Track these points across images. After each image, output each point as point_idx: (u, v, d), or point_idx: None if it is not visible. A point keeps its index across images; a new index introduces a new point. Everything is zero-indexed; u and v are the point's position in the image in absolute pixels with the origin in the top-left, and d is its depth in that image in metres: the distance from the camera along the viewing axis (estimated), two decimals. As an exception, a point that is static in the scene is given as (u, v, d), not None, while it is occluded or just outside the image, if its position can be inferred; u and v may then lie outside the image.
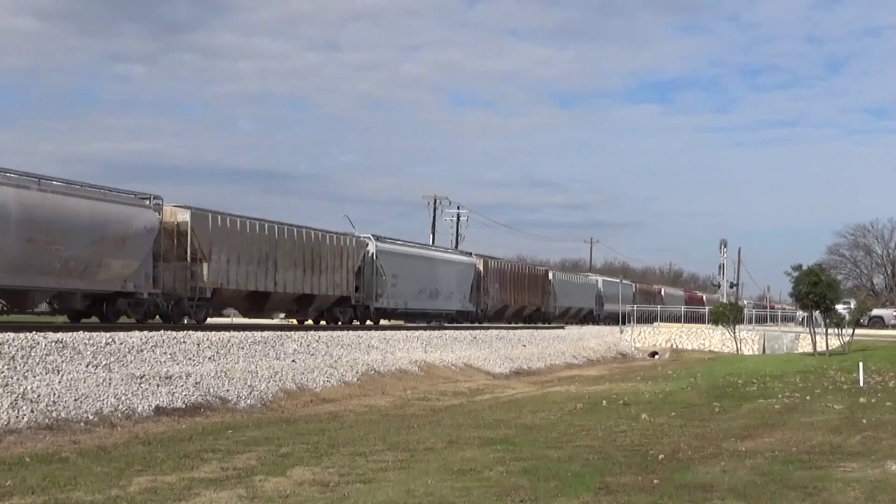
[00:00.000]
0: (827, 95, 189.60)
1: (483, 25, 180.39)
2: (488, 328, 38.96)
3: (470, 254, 45.51)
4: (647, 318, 67.40)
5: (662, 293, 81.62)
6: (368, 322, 34.15)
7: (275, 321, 34.88)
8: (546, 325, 50.49)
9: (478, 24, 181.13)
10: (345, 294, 32.11)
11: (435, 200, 66.62)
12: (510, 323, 48.67)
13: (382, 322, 36.19)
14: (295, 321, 32.83)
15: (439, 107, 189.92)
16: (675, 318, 64.91)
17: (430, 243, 58.49)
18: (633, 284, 76.14)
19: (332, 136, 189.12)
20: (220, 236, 25.68)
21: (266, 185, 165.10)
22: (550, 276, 56.14)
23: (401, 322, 36.99)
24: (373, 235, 34.72)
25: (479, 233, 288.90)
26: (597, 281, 67.02)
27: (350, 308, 32.92)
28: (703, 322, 53.83)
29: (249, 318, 31.52)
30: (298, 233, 29.78)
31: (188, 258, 24.51)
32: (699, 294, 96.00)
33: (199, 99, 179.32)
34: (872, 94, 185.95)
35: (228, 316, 35.68)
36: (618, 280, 74.87)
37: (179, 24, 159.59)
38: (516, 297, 49.15)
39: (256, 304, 28.51)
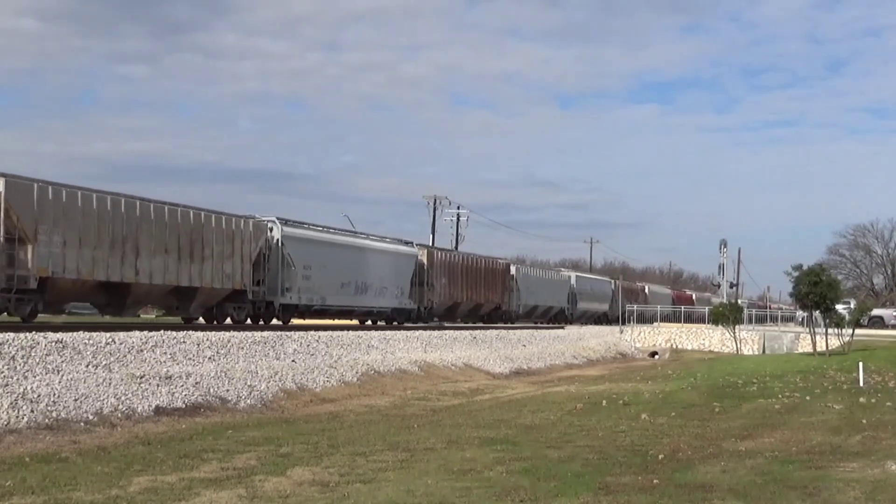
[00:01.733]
0: (828, 95, 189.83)
1: (484, 26, 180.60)
2: (488, 328, 38.94)
3: (410, 243, 39.54)
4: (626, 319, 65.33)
5: (647, 291, 76.60)
6: (278, 322, 29.40)
7: (153, 318, 32.41)
8: (513, 325, 45.58)
9: (479, 24, 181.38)
10: (239, 287, 26.82)
11: (435, 200, 66.68)
12: (465, 323, 44.24)
13: (301, 321, 31.29)
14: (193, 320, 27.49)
15: (440, 107, 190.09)
16: (656, 319, 62.48)
17: (431, 243, 58.36)
18: (613, 281, 71.05)
19: (332, 137, 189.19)
20: (52, 212, 20.60)
21: (267, 185, 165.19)
22: (513, 270, 50.12)
23: (328, 321, 32.99)
24: (278, 219, 29.33)
25: (480, 233, 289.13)
26: (569, 277, 60.86)
27: (248, 304, 27.76)
28: (703, 322, 53.87)
29: (108, 315, 25.95)
30: (171, 212, 24.34)
31: (1, 238, 19.51)
32: (688, 293, 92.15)
33: (199, 99, 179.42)
34: (873, 94, 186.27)
35: (79, 313, 31.92)
36: (595, 276, 71.31)
37: (181, 24, 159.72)
38: (470, 293, 43.72)
39: (114, 298, 23.48)
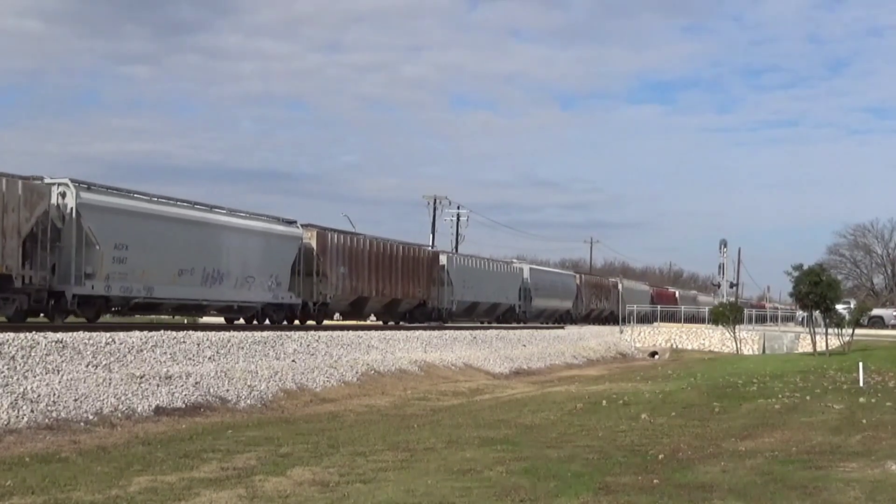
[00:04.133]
0: (828, 95, 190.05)
1: (485, 27, 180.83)
2: (488, 328, 38.90)
3: (294, 222, 30.73)
4: (595, 319, 60.43)
5: (619, 287, 69.31)
6: (81, 319, 22.40)
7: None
8: (449, 325, 37.96)
9: (480, 25, 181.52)
10: (1, 271, 19.66)
11: (435, 200, 66.64)
12: (379, 322, 38.74)
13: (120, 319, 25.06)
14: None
15: (441, 108, 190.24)
16: (631, 320, 58.40)
17: (431, 243, 58.26)
18: (578, 276, 63.45)
19: (333, 137, 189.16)
20: None
21: (268, 185, 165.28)
22: (443, 259, 41.72)
23: (163, 318, 27.67)
24: (74, 181, 21.77)
25: (480, 233, 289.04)
26: (521, 269, 52.19)
27: (20, 295, 20.50)
28: (703, 322, 53.86)
29: None
30: None
31: None
32: (671, 290, 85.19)
33: (201, 100, 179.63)
34: (874, 94, 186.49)
35: None
36: (554, 269, 65.08)
37: (183, 25, 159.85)
38: (381, 286, 35.33)
39: None
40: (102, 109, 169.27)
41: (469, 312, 45.16)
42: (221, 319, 29.39)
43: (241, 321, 28.65)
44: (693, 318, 63.45)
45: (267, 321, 29.31)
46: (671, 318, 62.45)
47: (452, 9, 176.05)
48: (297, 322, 30.73)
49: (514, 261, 54.67)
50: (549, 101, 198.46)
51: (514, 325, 46.73)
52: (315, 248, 31.11)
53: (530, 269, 53.50)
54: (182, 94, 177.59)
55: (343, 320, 36.36)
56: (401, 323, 37.68)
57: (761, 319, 58.02)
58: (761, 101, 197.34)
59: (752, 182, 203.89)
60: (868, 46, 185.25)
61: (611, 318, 63.50)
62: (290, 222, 30.50)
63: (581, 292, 60.38)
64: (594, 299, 63.45)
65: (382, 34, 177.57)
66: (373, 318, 39.41)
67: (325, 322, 33.08)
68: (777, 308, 74.53)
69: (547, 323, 53.71)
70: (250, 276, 27.77)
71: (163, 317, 29.98)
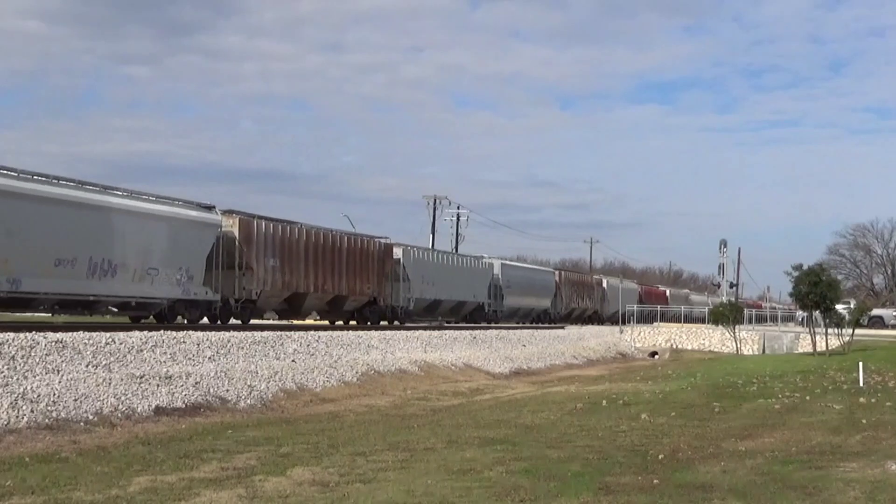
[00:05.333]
0: (829, 95, 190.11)
1: (486, 27, 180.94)
2: (488, 328, 38.87)
3: (211, 207, 27.00)
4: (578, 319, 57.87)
5: (604, 285, 66.20)
6: None
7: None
8: (414, 326, 34.69)
9: (481, 26, 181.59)
10: None
11: (435, 200, 66.66)
12: (319, 321, 34.98)
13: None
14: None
15: (442, 108, 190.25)
16: (616, 320, 57.14)
17: (431, 243, 58.17)
18: (557, 272, 59.56)
19: (334, 137, 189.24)
20: None
21: (268, 185, 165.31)
22: (398, 252, 37.53)
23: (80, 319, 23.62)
24: None
25: (480, 233, 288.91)
26: (492, 264, 48.11)
27: None
28: (703, 322, 53.85)
29: None
30: None
31: None
32: (661, 289, 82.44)
33: (202, 100, 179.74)
34: (875, 94, 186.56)
35: None
36: (531, 265, 60.71)
37: (184, 26, 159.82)
38: (323, 281, 31.70)
39: None
40: (103, 110, 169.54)
41: (430, 311, 41.45)
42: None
43: (153, 319, 25.21)
44: (686, 318, 62.60)
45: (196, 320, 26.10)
46: (662, 318, 60.96)
47: (453, 9, 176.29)
48: (220, 322, 27.02)
49: (485, 256, 50.58)
50: (549, 101, 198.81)
51: (513, 325, 46.61)
52: (238, 238, 27.31)
53: (502, 264, 49.47)
54: (183, 94, 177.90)
55: (279, 320, 33.01)
56: (351, 323, 34.31)
57: (761, 319, 57.98)
58: (762, 102, 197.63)
59: (753, 182, 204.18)
60: (869, 46, 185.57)
61: (595, 318, 61.62)
62: (208, 207, 26.76)
63: (561, 290, 56.75)
64: (575, 298, 60.04)
65: (383, 35, 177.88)
66: (317, 317, 35.55)
67: (256, 321, 29.88)
68: (775, 308, 74.17)
69: (522, 323, 50.59)
70: (153, 267, 23.86)
71: (43, 315, 25.49)
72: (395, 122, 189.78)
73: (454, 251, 58.68)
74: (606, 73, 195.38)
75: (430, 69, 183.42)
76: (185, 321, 25.72)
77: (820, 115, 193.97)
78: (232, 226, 27.40)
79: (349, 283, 33.28)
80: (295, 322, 33.01)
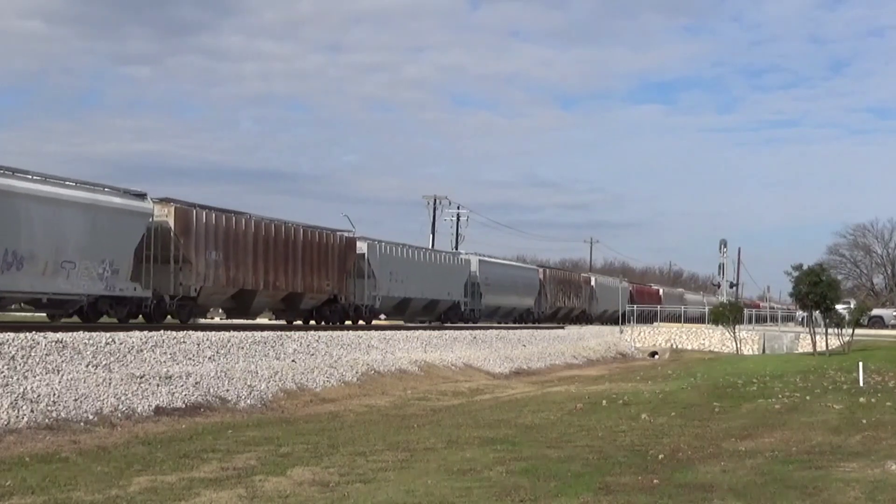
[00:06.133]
0: (829, 96, 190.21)
1: (486, 27, 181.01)
2: (488, 328, 38.85)
3: (143, 195, 24.41)
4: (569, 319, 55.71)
5: (593, 283, 63.34)
6: None
7: None
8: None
9: (481, 26, 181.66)
10: None
11: (435, 200, 66.69)
12: (274, 320, 33.77)
13: None
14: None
15: (442, 108, 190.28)
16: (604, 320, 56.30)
17: (431, 243, 58.13)
18: (541, 270, 57.02)
19: (334, 137, 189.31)
20: None
21: (269, 185, 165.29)
22: (362, 247, 34.66)
23: None
24: None
25: (480, 233, 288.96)
26: (468, 261, 45.36)
27: None
28: (700, 322, 53.83)
29: None
30: None
31: None
32: (654, 288, 79.74)
33: (203, 100, 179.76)
34: (875, 94, 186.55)
35: None
36: (512, 262, 55.89)
37: (185, 26, 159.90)
38: (275, 277, 29.22)
39: None
40: (104, 110, 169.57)
41: (400, 310, 39.19)
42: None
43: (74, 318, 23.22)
44: (679, 319, 62.00)
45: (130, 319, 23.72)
46: (654, 318, 59.68)
47: (453, 9, 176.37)
48: (153, 321, 24.55)
49: (462, 252, 48.26)
50: (549, 101, 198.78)
51: (508, 325, 46.50)
52: (173, 229, 24.87)
53: (479, 260, 46.91)
54: (183, 94, 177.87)
55: (228, 318, 30.39)
56: (311, 322, 31.84)
57: (761, 319, 57.96)
58: (762, 102, 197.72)
59: (753, 182, 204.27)
60: (869, 46, 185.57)
61: (583, 318, 59.49)
62: (139, 195, 24.24)
63: (545, 288, 54.21)
64: (561, 296, 57.22)
65: (383, 35, 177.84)
66: (271, 317, 33.63)
67: (201, 321, 27.83)
68: (773, 308, 73.96)
69: (503, 322, 48.16)
70: (68, 260, 21.53)
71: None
72: (395, 122, 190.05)
73: (454, 248, 58.33)
74: (607, 73, 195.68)
75: (431, 69, 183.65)
76: (118, 320, 23.58)
77: (820, 115, 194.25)
78: (167, 215, 24.98)
79: (305, 279, 30.60)
80: (246, 322, 30.68)
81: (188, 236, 25.35)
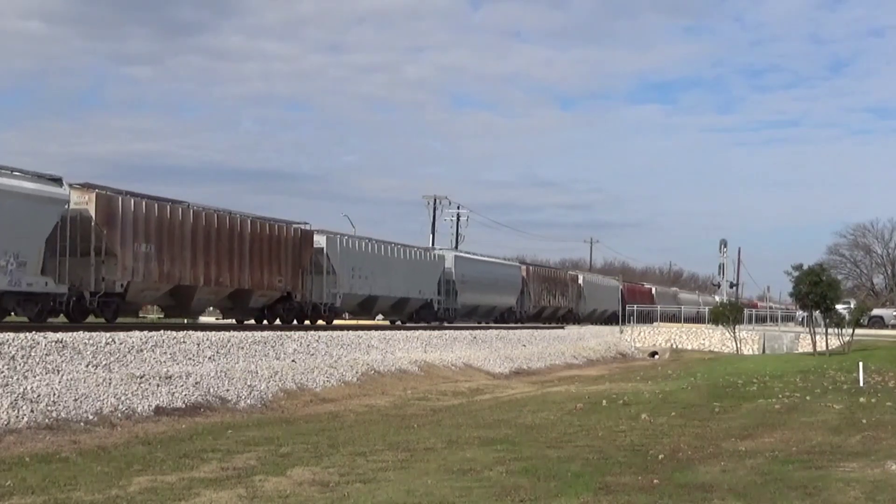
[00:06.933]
0: (830, 95, 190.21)
1: (487, 28, 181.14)
2: (488, 328, 38.84)
3: (58, 180, 21.91)
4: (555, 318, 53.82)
5: (580, 281, 60.59)
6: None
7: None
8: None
9: (481, 26, 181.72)
10: None
11: (435, 200, 66.70)
12: (221, 319, 31.79)
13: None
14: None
15: (442, 108, 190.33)
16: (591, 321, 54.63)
17: (431, 243, 57.99)
18: (524, 267, 53.27)
19: (335, 137, 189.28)
20: None
21: (269, 185, 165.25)
22: (320, 241, 32.08)
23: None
24: None
25: (481, 233, 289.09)
26: (442, 257, 42.91)
27: None
28: (704, 322, 53.83)
29: None
30: None
31: None
32: (646, 286, 77.36)
33: (203, 100, 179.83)
34: (876, 94, 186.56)
35: None
36: (490, 258, 51.88)
37: (186, 26, 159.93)
38: (218, 272, 26.69)
39: None
40: (105, 110, 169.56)
41: (365, 309, 36.69)
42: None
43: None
44: (673, 319, 61.77)
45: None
46: (647, 318, 58.45)
47: (454, 10, 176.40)
48: (72, 321, 22.33)
49: (436, 248, 44.93)
50: (549, 101, 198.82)
51: (513, 325, 46.44)
52: (94, 218, 22.46)
53: (455, 256, 44.54)
54: (184, 94, 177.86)
55: (165, 317, 28.45)
56: (265, 322, 29.77)
57: (761, 319, 57.96)
58: (762, 102, 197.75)
59: (753, 182, 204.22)
60: (869, 46, 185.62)
61: (570, 318, 56.93)
62: (53, 179, 21.65)
63: (528, 286, 51.71)
64: (546, 295, 54.54)
65: (384, 35, 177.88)
66: (218, 315, 31.45)
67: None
68: (771, 307, 73.89)
69: (483, 322, 45.94)
70: None
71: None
72: (395, 123, 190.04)
73: (454, 248, 57.75)
74: (607, 73, 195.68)
75: (431, 69, 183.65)
76: (28, 319, 21.18)
77: (820, 115, 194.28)
78: (87, 203, 22.53)
79: (254, 275, 28.17)
80: (185, 321, 27.94)
81: (113, 226, 22.90)
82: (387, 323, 38.74)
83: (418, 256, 40.27)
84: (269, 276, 28.92)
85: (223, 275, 26.97)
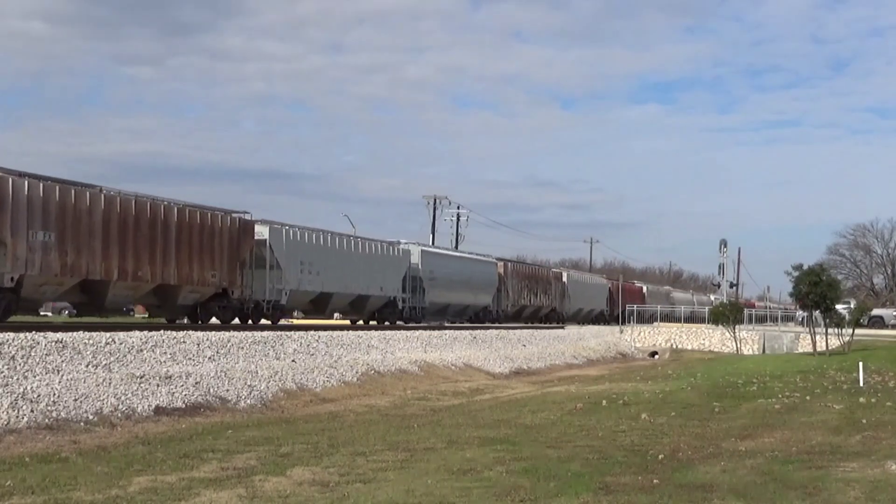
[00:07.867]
0: (830, 96, 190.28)
1: (487, 28, 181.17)
2: (488, 328, 38.83)
3: None
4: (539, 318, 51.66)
5: (564, 279, 57.48)
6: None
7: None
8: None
9: (482, 26, 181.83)
10: None
11: (435, 200, 66.70)
12: (148, 318, 29.04)
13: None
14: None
15: (443, 108, 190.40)
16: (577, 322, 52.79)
17: (431, 243, 58.02)
18: (501, 263, 49.38)
19: (335, 137, 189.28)
20: None
21: (270, 185, 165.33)
22: (263, 232, 29.05)
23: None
24: None
25: (481, 233, 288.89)
26: (408, 252, 39.38)
27: None
28: (704, 322, 53.82)
29: None
30: None
31: None
32: (637, 285, 74.61)
33: (204, 100, 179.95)
34: (876, 93, 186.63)
35: None
36: (464, 254, 49.00)
37: (186, 26, 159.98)
38: (137, 265, 23.44)
39: None
40: (105, 110, 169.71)
41: (319, 307, 33.63)
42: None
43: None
44: (667, 319, 61.31)
45: None
46: (639, 318, 56.98)
47: (454, 10, 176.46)
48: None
49: (402, 241, 40.75)
50: (550, 101, 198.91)
51: (513, 325, 46.41)
52: None
53: (422, 251, 40.96)
54: (185, 94, 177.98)
55: (78, 316, 25.63)
56: (200, 322, 26.84)
57: (761, 319, 57.96)
58: (763, 101, 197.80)
59: (753, 182, 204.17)
60: (869, 46, 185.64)
61: (553, 318, 54.13)
62: None
63: (506, 284, 48.55)
64: (526, 294, 51.27)
65: (385, 35, 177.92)
66: (144, 315, 28.46)
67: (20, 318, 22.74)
68: (770, 307, 73.84)
69: (456, 322, 42.89)
70: None
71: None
72: (396, 123, 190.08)
73: (454, 248, 57.34)
74: (607, 73, 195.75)
75: (432, 70, 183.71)
76: None
77: (820, 115, 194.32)
78: None
79: (181, 269, 24.96)
80: (98, 321, 24.15)
81: (2, 211, 19.82)
82: (347, 322, 36.51)
83: (380, 251, 36.56)
84: (200, 270, 25.68)
85: (143, 268, 23.63)
